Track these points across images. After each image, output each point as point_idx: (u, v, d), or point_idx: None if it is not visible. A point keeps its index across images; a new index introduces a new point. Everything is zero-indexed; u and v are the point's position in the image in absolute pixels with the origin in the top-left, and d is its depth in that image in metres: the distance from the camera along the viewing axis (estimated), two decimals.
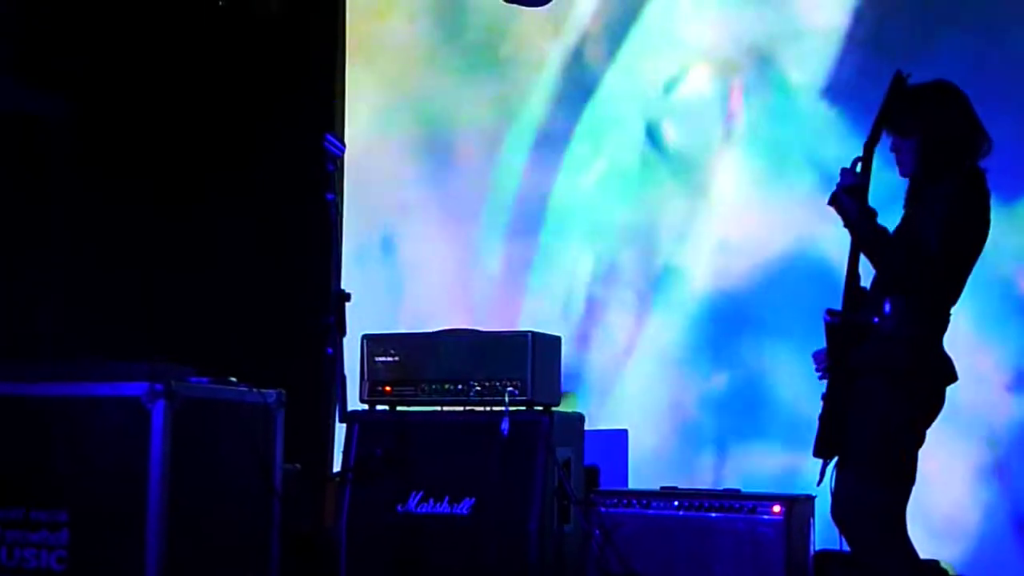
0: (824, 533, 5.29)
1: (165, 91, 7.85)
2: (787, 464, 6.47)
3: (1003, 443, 6.40)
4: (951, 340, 4.52)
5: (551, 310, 7.42)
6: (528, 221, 7.65)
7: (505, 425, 5.41)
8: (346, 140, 7.01)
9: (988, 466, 6.37)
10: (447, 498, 5.53)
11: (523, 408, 5.55)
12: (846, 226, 4.51)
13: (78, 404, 5.31)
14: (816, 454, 4.53)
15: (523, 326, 6.09)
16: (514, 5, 7.54)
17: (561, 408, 5.72)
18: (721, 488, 5.62)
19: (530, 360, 5.55)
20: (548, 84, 7.68)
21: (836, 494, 4.47)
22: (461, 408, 5.71)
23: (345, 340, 5.12)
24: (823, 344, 4.55)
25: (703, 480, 6.45)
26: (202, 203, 7.82)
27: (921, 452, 4.50)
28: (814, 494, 5.28)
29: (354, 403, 5.63)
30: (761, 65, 7.15)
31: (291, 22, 8.04)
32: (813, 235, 6.69)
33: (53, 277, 7.51)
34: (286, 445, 5.75)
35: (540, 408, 5.59)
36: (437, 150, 7.92)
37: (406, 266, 7.93)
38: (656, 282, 7.28)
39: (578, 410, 5.99)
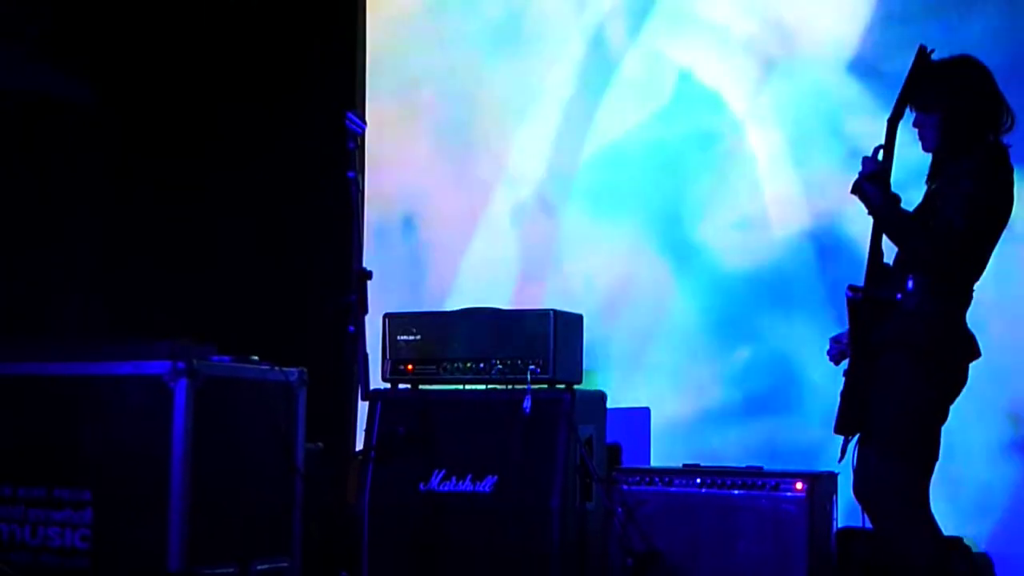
0: (847, 510, 5.28)
1: (186, 70, 7.86)
2: (811, 442, 6.45)
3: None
4: (973, 316, 4.50)
5: (574, 288, 7.40)
6: (551, 198, 7.62)
7: (527, 403, 5.42)
8: (367, 118, 7.00)
9: (1012, 442, 6.34)
10: (469, 476, 5.54)
11: (545, 386, 5.55)
12: (870, 213, 4.49)
13: (101, 383, 5.34)
14: (838, 431, 4.53)
15: (546, 304, 6.07)
16: None
17: (583, 386, 5.72)
18: (744, 466, 5.59)
19: (552, 338, 5.55)
20: (571, 61, 7.64)
21: (859, 471, 4.47)
22: (483, 386, 5.71)
23: (367, 318, 5.12)
24: (846, 320, 4.55)
25: (727, 458, 6.42)
26: (223, 183, 7.82)
27: (945, 428, 4.49)
28: (837, 471, 5.26)
29: (376, 382, 5.64)
30: (785, 40, 7.10)
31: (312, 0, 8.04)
32: (838, 211, 6.65)
33: (75, 258, 7.54)
34: (308, 423, 5.77)
35: (562, 386, 5.59)
36: (459, 128, 7.90)
37: (427, 245, 7.91)
38: (680, 259, 7.25)
39: (600, 388, 5.98)
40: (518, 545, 5.41)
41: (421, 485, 5.60)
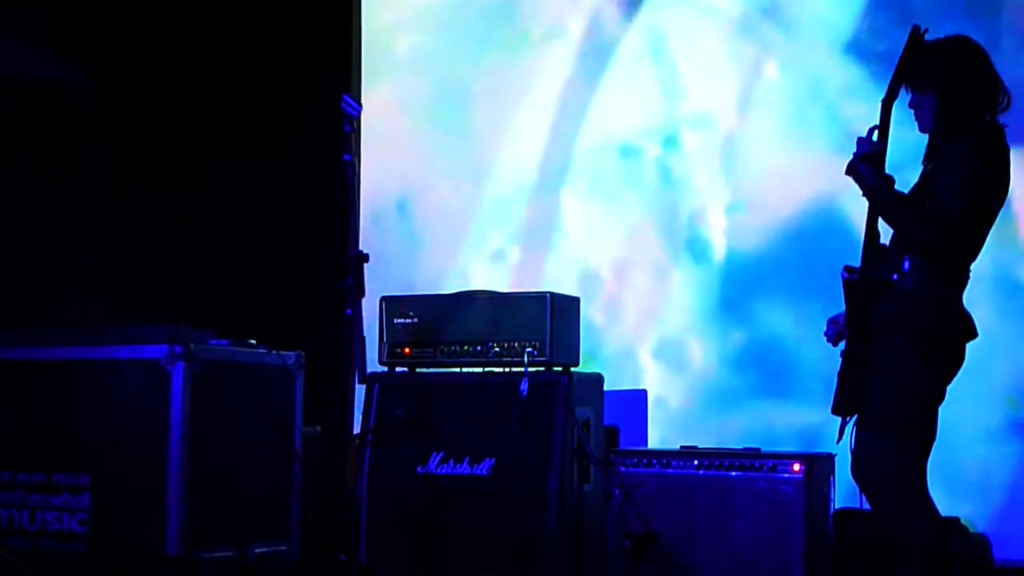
0: (844, 491, 5.29)
1: (182, 56, 7.85)
2: (810, 424, 6.46)
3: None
4: (970, 296, 4.50)
5: (572, 271, 7.40)
6: (548, 183, 7.61)
7: (524, 386, 5.42)
8: (363, 101, 6.98)
9: (1010, 423, 6.35)
10: (467, 459, 5.55)
11: (542, 369, 5.55)
12: (865, 195, 4.48)
13: (98, 367, 5.35)
14: (835, 412, 4.53)
15: (544, 288, 6.07)
16: None
17: (581, 368, 5.73)
18: (741, 447, 5.60)
19: (549, 321, 5.55)
20: (568, 44, 7.63)
21: (856, 452, 4.47)
22: (480, 369, 5.71)
23: (364, 302, 5.12)
24: (843, 302, 4.54)
25: (727, 441, 6.43)
26: (220, 166, 7.82)
27: (942, 409, 4.49)
28: (834, 452, 5.27)
29: (373, 365, 5.65)
30: (782, 22, 7.09)
31: None
32: (836, 193, 6.64)
33: (73, 243, 7.53)
34: (306, 407, 5.78)
35: (559, 369, 5.59)
36: (455, 111, 7.89)
37: (423, 228, 7.90)
38: (678, 242, 7.26)
39: (599, 372, 5.98)
40: (516, 528, 5.42)
41: (419, 468, 5.61)
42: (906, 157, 4.62)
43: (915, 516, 4.40)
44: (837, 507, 5.54)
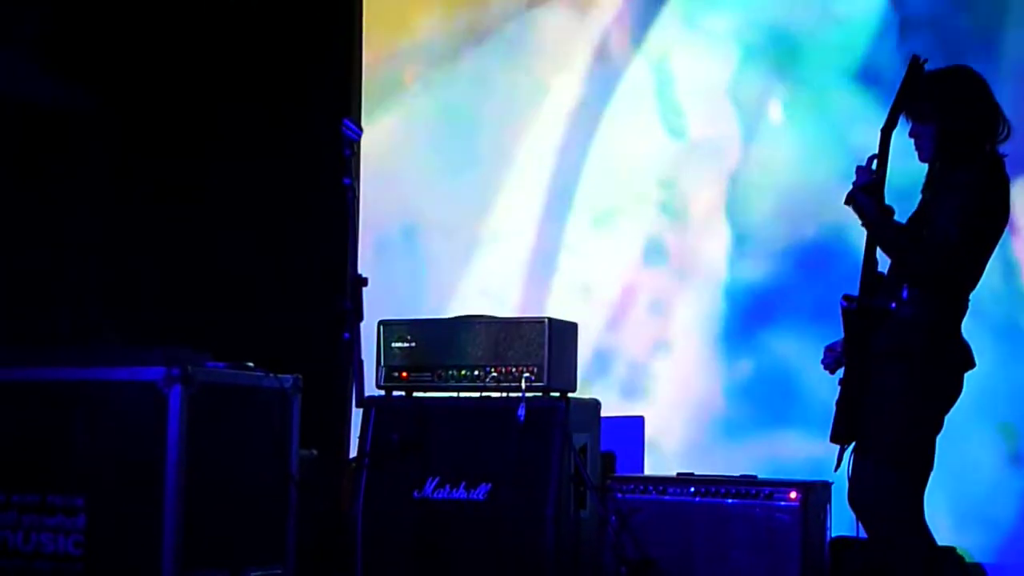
0: (841, 519, 5.27)
1: (180, 77, 7.87)
2: (810, 452, 6.43)
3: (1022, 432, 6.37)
4: (969, 325, 4.49)
5: (576, 297, 7.39)
6: (554, 208, 7.61)
7: (521, 411, 5.40)
8: (367, 128, 6.99)
9: (1008, 453, 6.33)
10: (463, 484, 5.53)
11: (539, 394, 5.54)
12: (863, 224, 4.48)
13: (95, 389, 5.34)
14: (833, 439, 4.52)
15: (549, 313, 6.07)
16: None
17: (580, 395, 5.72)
18: (738, 474, 5.58)
19: (546, 346, 5.54)
20: (575, 70, 7.64)
21: (853, 480, 4.46)
22: (477, 394, 5.70)
23: (362, 326, 5.11)
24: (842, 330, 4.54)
25: (732, 469, 6.42)
26: (219, 188, 7.83)
27: (940, 438, 4.47)
28: (831, 480, 5.25)
29: (370, 389, 5.63)
30: (791, 50, 7.10)
31: (309, 6, 8.03)
32: (842, 222, 6.62)
33: (71, 265, 7.54)
34: (303, 430, 5.76)
35: (556, 394, 5.57)
36: (460, 136, 7.89)
37: (428, 255, 7.89)
38: (683, 268, 7.25)
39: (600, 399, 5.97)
40: (512, 553, 5.40)
41: (415, 492, 5.59)
42: (913, 185, 4.60)
43: (911, 545, 4.39)
44: (834, 535, 5.53)
